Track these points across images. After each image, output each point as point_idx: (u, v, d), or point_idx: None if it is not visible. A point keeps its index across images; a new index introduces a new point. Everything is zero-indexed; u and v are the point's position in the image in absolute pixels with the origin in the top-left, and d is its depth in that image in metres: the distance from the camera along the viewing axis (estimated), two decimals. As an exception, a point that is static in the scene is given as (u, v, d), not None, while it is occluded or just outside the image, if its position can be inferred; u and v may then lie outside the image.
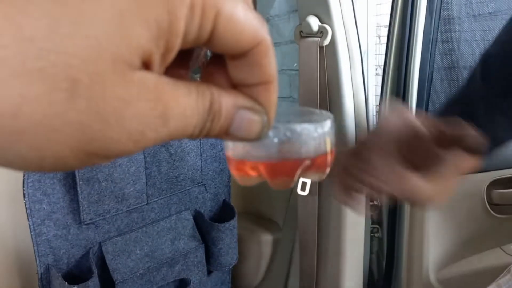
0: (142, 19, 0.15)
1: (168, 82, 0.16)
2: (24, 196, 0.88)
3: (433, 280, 1.25)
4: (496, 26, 1.17)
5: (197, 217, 1.21)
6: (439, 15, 1.23)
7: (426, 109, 1.26)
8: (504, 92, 0.49)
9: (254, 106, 0.19)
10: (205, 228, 1.20)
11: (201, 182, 1.20)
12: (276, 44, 1.43)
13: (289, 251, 1.34)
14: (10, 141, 0.14)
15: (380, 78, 1.27)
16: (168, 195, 1.13)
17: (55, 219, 0.94)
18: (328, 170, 0.24)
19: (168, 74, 0.17)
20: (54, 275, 0.93)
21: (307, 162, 0.22)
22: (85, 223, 0.98)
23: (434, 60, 1.20)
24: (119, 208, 1.02)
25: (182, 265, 1.14)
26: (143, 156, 1.04)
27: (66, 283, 0.90)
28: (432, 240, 1.23)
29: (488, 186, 1.22)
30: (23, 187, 0.88)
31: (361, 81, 1.07)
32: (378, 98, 1.28)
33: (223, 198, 1.27)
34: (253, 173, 0.23)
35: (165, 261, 1.10)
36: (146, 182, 1.07)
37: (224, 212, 1.27)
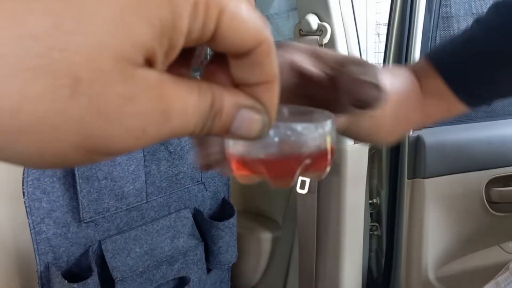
0: (146, 17, 0.15)
1: (171, 80, 0.16)
2: (23, 195, 0.88)
3: (432, 278, 1.25)
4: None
5: (197, 215, 1.21)
6: (438, 13, 1.23)
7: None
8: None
9: (255, 105, 0.19)
10: (204, 226, 1.20)
11: (201, 181, 1.20)
12: (275, 42, 1.42)
13: (288, 249, 1.34)
14: (10, 138, 0.14)
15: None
16: (168, 193, 1.13)
17: (55, 217, 0.94)
18: (328, 169, 0.24)
19: (169, 72, 0.17)
20: (54, 273, 0.93)
21: (307, 162, 0.23)
22: (85, 221, 0.98)
23: (433, 58, 1.20)
24: (119, 206, 1.02)
25: (182, 263, 1.14)
26: (142, 155, 1.04)
27: (66, 281, 0.90)
28: (431, 238, 1.24)
29: (486, 184, 1.22)
30: (23, 185, 0.88)
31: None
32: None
33: (223, 196, 1.27)
34: (253, 172, 0.23)
35: (165, 259, 1.10)
36: (146, 181, 1.07)
37: (223, 210, 1.27)
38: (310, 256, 1.14)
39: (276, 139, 0.22)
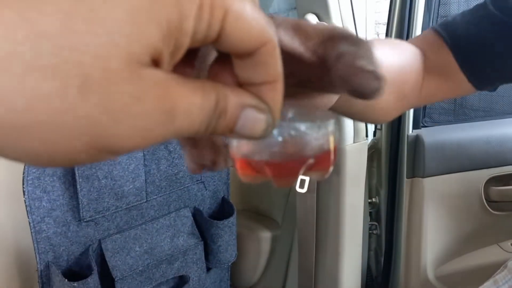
0: (153, 18, 0.15)
1: (176, 79, 0.17)
2: (24, 194, 0.88)
3: (431, 277, 1.25)
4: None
5: (196, 214, 1.21)
6: (437, 13, 1.23)
7: (425, 109, 1.26)
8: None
9: (259, 105, 0.19)
10: (204, 225, 1.20)
11: (200, 180, 1.20)
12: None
13: (287, 248, 1.35)
14: (22, 136, 0.14)
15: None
16: (167, 192, 1.13)
17: (55, 216, 0.94)
18: (331, 169, 0.24)
19: (174, 72, 0.17)
20: (54, 272, 0.93)
21: (311, 161, 0.23)
22: (85, 220, 0.98)
23: (432, 58, 1.20)
24: (119, 206, 1.03)
25: (181, 262, 1.15)
26: (142, 154, 1.04)
27: (66, 280, 0.90)
28: (430, 237, 1.24)
29: (485, 183, 1.22)
30: (23, 184, 0.88)
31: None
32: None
33: (222, 196, 1.27)
34: (256, 171, 0.23)
35: (165, 258, 1.11)
36: (145, 180, 1.07)
37: (223, 210, 1.27)
38: (309, 255, 1.14)
39: (280, 139, 0.22)
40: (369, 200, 1.32)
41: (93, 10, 0.14)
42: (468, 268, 1.25)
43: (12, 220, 0.98)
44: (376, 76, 0.22)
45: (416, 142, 1.20)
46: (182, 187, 1.16)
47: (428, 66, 0.49)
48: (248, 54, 0.18)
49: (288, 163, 0.22)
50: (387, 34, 1.21)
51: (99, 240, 1.02)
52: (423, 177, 1.20)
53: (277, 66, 0.19)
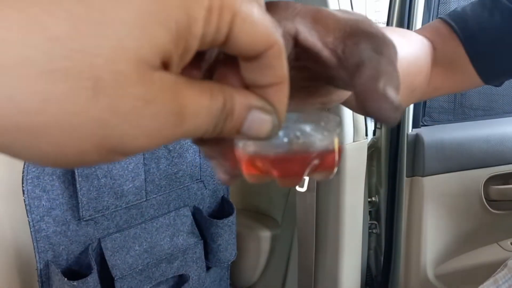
0: (163, 21, 0.15)
1: (185, 82, 0.17)
2: (23, 193, 0.88)
3: (431, 276, 1.26)
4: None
5: (196, 214, 1.21)
6: (437, 12, 1.23)
7: (424, 108, 1.27)
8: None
9: (265, 106, 0.19)
10: (204, 224, 1.20)
11: (200, 179, 1.20)
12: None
13: (287, 247, 1.35)
14: (34, 138, 0.15)
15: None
16: (167, 191, 1.13)
17: (55, 215, 0.94)
18: (335, 170, 0.24)
19: (182, 74, 0.17)
20: (53, 271, 0.93)
21: (316, 162, 0.23)
22: (84, 219, 0.98)
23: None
24: (118, 205, 1.03)
25: (181, 261, 1.15)
26: (142, 153, 1.04)
27: (66, 279, 0.90)
28: (430, 236, 1.24)
29: (485, 182, 1.23)
30: (22, 183, 0.88)
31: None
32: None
33: (222, 195, 1.28)
34: (262, 172, 0.23)
35: (164, 257, 1.11)
36: (145, 179, 1.07)
37: (222, 209, 1.27)
38: (309, 254, 1.15)
39: (285, 140, 0.22)
40: (369, 199, 1.32)
41: (104, 13, 0.14)
42: (468, 267, 1.25)
43: (12, 219, 0.98)
44: (395, 107, 0.21)
45: (416, 141, 1.20)
46: (181, 186, 1.16)
47: (436, 58, 0.48)
48: (254, 57, 0.18)
49: (293, 164, 0.23)
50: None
51: (99, 239, 1.02)
52: (423, 176, 1.21)
53: (283, 68, 0.19)
